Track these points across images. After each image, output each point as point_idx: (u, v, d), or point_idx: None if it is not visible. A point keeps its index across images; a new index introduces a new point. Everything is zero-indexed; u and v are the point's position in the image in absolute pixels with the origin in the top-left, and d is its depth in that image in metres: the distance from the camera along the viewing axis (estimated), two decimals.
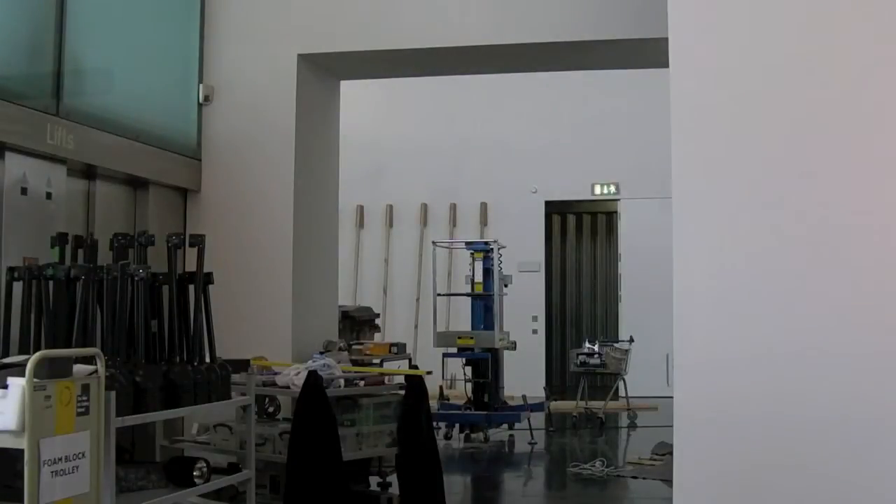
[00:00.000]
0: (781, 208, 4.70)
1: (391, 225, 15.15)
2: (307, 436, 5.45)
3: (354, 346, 7.55)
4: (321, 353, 6.64)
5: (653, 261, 10.20)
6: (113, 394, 3.94)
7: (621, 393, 13.07)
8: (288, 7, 7.21)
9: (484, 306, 11.35)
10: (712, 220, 4.81)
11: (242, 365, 5.53)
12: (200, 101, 7.19)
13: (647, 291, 12.94)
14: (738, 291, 4.72)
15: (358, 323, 8.53)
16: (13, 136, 5.23)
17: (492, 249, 11.20)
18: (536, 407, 11.08)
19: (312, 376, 5.57)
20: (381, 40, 7.11)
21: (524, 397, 11.28)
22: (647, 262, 12.71)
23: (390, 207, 15.12)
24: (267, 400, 6.11)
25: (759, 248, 4.71)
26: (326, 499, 5.41)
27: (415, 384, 5.99)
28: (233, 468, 5.34)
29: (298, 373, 5.71)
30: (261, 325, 6.82)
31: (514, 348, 11.48)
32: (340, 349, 6.99)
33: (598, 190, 15.02)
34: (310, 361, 5.89)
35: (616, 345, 13.33)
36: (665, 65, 4.93)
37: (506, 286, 11.73)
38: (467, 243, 11.82)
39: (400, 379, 6.18)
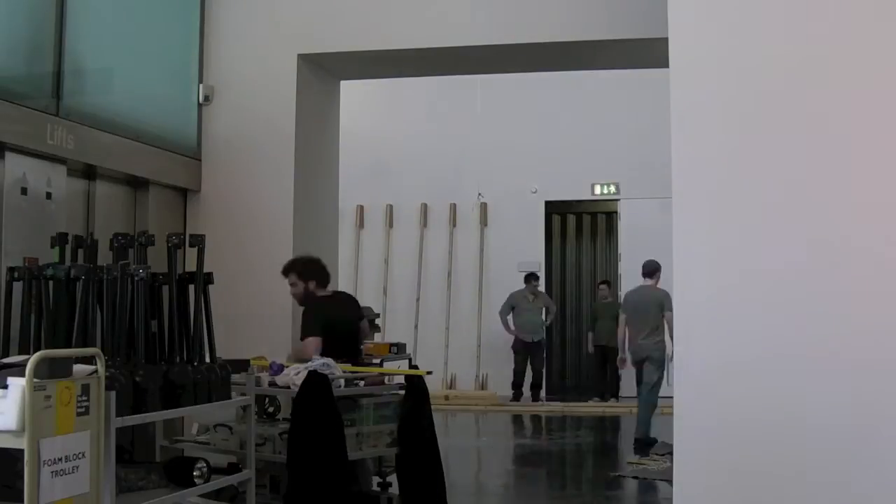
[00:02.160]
0: (781, 209, 4.70)
1: (391, 225, 15.14)
2: (308, 435, 5.45)
3: None
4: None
5: None
6: (113, 394, 3.94)
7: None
8: (288, 7, 7.21)
9: None
10: (712, 220, 4.81)
11: (242, 365, 5.54)
12: (200, 101, 7.19)
13: None
14: (738, 292, 4.72)
15: None
16: (13, 136, 5.24)
17: None
18: None
19: (314, 375, 5.57)
20: (381, 40, 7.11)
21: None
22: None
23: (390, 207, 15.12)
24: (267, 400, 6.11)
25: (759, 249, 4.71)
26: (328, 498, 5.41)
27: (415, 384, 6.00)
28: (233, 468, 5.34)
29: (298, 373, 5.70)
30: (261, 325, 6.81)
31: None
32: None
33: (598, 190, 15.02)
34: (310, 361, 5.88)
35: None
36: (665, 65, 4.93)
37: None
38: None
39: (400, 379, 6.18)
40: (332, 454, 5.44)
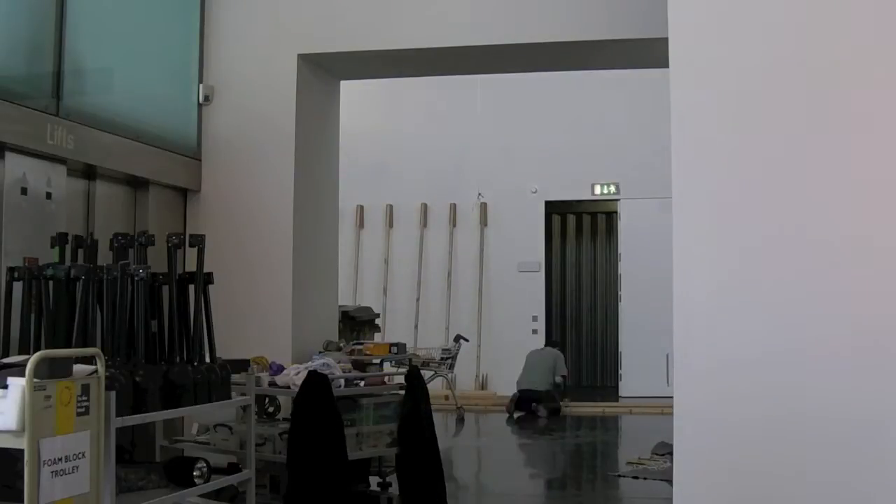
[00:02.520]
0: (781, 208, 4.70)
1: (391, 225, 15.15)
2: (309, 435, 5.45)
3: (354, 346, 7.55)
4: (321, 352, 6.64)
5: (653, 261, 10.21)
6: (113, 394, 3.94)
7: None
8: (288, 7, 7.21)
9: None
10: (712, 220, 4.81)
11: (242, 365, 5.54)
12: (200, 101, 7.18)
13: (647, 291, 12.95)
14: (737, 291, 4.72)
15: (358, 323, 8.52)
16: (13, 136, 5.23)
17: None
18: None
19: (314, 375, 5.57)
20: (381, 40, 7.10)
21: None
22: (647, 262, 12.73)
23: (390, 207, 15.13)
24: (267, 400, 6.11)
25: (759, 248, 4.71)
26: (328, 498, 5.42)
27: (415, 384, 6.00)
28: (233, 468, 5.34)
29: (298, 372, 5.71)
30: (261, 325, 6.81)
31: None
32: (340, 349, 6.99)
33: (598, 190, 15.03)
34: (309, 362, 5.89)
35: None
36: (665, 65, 4.93)
37: None
38: None
39: (399, 379, 6.18)
40: (333, 454, 5.44)
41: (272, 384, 5.88)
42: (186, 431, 6.26)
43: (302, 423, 5.51)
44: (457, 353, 13.21)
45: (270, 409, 6.14)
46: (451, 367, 12.99)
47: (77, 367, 3.76)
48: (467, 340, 13.72)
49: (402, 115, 14.88)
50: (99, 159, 6.08)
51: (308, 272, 7.22)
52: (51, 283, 4.57)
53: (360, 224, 15.13)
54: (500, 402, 13.59)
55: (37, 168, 5.47)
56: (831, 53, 4.67)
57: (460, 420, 12.26)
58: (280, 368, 6.00)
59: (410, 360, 7.35)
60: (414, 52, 7.17)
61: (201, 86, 7.19)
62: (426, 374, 12.81)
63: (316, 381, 5.55)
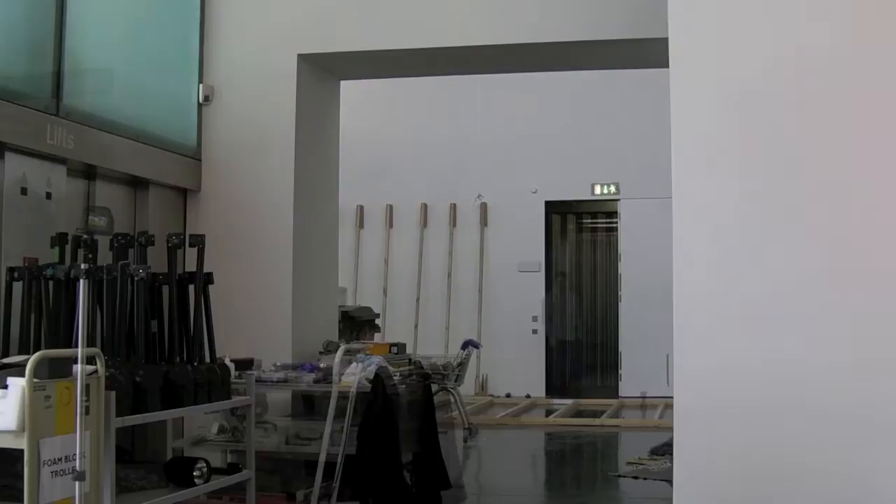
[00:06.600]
0: (782, 208, 4.70)
1: (391, 225, 15.14)
2: (379, 431, 5.59)
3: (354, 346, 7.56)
4: (321, 352, 6.64)
5: (653, 261, 10.20)
6: (113, 394, 3.94)
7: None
8: (288, 7, 7.21)
9: None
10: (712, 220, 4.81)
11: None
12: (200, 101, 7.18)
13: (647, 291, 12.93)
14: (738, 292, 4.72)
15: (358, 323, 8.53)
16: (13, 136, 5.23)
17: None
18: None
19: (382, 373, 5.69)
20: (381, 40, 7.10)
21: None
22: (647, 262, 12.71)
23: (390, 207, 15.12)
24: None
25: (760, 248, 4.71)
26: (392, 489, 5.60)
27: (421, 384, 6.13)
28: (232, 468, 5.34)
29: (366, 369, 5.76)
30: (261, 325, 6.81)
31: None
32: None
33: (598, 190, 15.01)
34: (356, 363, 5.90)
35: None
36: (665, 65, 4.93)
37: None
38: None
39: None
40: (394, 449, 5.63)
41: (317, 381, 5.91)
42: (187, 432, 6.25)
43: (374, 420, 5.61)
44: (465, 363, 11.10)
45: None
46: (459, 378, 10.93)
47: (77, 367, 3.76)
48: (479, 347, 11.92)
49: (402, 115, 14.86)
50: (99, 159, 6.08)
51: (308, 272, 7.21)
52: (51, 283, 4.57)
53: (360, 224, 15.12)
54: (498, 402, 13.60)
55: (37, 168, 5.47)
56: (831, 53, 4.67)
57: (469, 435, 10.54)
58: (313, 368, 6.01)
59: (411, 360, 7.35)
60: (414, 52, 7.17)
61: (201, 86, 7.19)
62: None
63: (379, 382, 5.67)
